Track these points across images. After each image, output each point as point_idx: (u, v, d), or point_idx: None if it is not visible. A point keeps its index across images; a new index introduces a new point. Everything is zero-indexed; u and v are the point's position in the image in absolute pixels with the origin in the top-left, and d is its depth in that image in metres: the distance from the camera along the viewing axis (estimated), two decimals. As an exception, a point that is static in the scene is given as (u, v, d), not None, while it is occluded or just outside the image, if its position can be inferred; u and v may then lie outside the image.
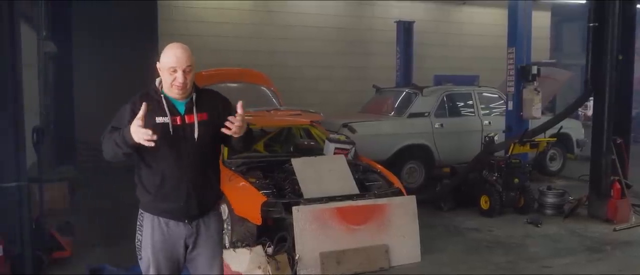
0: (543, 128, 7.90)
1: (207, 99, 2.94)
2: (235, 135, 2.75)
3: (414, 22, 13.10)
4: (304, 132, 7.21)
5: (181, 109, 2.84)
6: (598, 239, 6.29)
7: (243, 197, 5.30)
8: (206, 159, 2.91)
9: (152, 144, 2.59)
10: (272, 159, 6.24)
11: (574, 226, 6.78)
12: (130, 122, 2.65)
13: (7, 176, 4.65)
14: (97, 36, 11.89)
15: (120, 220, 7.08)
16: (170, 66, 2.76)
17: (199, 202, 2.90)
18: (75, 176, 8.58)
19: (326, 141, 6.43)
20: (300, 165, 5.56)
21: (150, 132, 2.56)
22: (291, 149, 6.79)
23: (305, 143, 6.80)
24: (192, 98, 2.87)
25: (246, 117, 2.80)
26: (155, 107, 2.79)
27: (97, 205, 7.96)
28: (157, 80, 2.90)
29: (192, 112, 2.84)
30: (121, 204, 7.97)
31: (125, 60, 11.85)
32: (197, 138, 2.84)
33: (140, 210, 2.94)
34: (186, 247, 2.93)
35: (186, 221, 2.90)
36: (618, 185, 6.89)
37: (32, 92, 8.63)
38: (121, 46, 11.88)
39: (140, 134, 2.56)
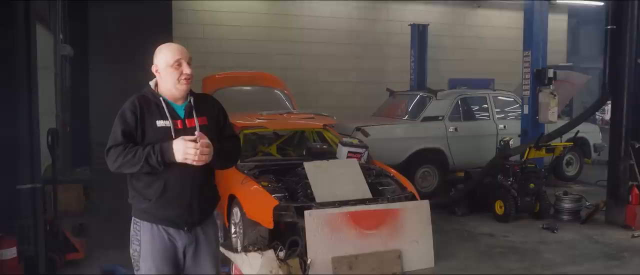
0: (559, 132, 7.80)
1: (204, 103, 2.89)
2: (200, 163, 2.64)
3: (428, 25, 13.05)
4: (317, 135, 7.20)
5: (181, 112, 2.77)
6: (615, 245, 6.18)
7: (255, 201, 5.29)
8: (207, 164, 2.77)
9: (202, 163, 2.60)
10: (285, 163, 6.22)
11: (590, 232, 6.67)
12: (135, 126, 2.65)
13: (22, 178, 4.69)
14: (113, 39, 12.02)
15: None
16: (176, 59, 2.73)
17: (201, 209, 2.82)
18: (90, 178, 8.65)
19: (339, 145, 6.39)
20: (312, 169, 5.52)
21: (206, 148, 2.59)
22: (303, 153, 6.77)
23: (318, 147, 6.78)
24: (190, 101, 2.82)
25: (257, 121, 2.78)
26: (154, 110, 2.73)
27: (112, 207, 8.00)
28: (152, 83, 2.84)
29: (193, 116, 2.78)
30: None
31: (140, 63, 11.94)
32: None
33: (136, 219, 2.80)
34: (184, 255, 2.83)
35: (186, 229, 2.80)
36: (636, 191, 6.78)
37: (49, 94, 8.73)
38: (136, 49, 11.97)
39: (190, 151, 2.55)
